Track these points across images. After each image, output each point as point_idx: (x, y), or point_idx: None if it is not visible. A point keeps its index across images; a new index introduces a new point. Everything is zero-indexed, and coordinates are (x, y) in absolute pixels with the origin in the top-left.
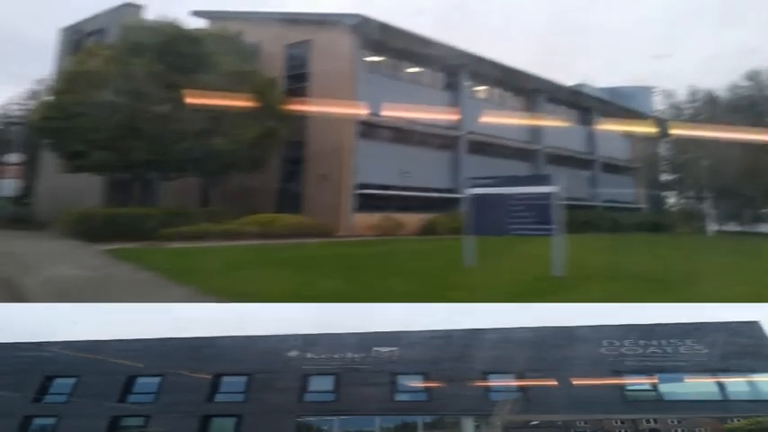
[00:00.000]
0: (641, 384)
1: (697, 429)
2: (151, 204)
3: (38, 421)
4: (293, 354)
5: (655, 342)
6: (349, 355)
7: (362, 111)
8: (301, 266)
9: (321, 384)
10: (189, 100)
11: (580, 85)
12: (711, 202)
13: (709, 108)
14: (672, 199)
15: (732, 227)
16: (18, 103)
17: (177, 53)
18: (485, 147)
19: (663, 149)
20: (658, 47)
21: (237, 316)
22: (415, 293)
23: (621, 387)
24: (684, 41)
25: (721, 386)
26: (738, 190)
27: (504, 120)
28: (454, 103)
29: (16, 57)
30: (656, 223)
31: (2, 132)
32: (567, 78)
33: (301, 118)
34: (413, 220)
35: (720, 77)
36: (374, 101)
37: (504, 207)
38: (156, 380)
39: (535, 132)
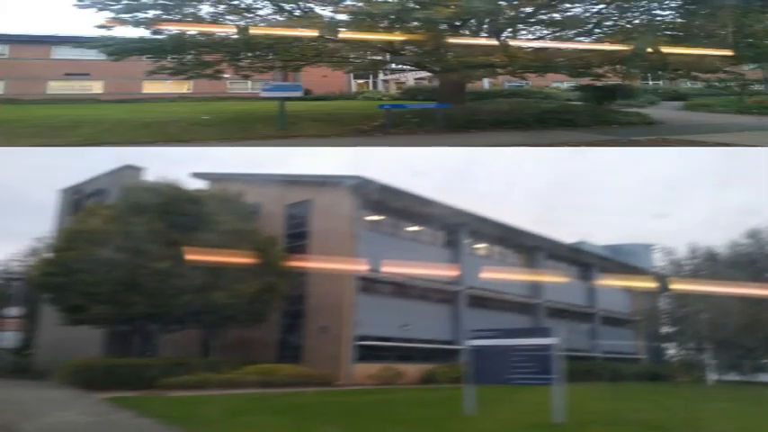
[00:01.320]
0: None
1: None
2: (151, 355)
3: None
4: None
5: None
6: None
7: (362, 267)
8: (300, 414)
9: None
10: (189, 257)
11: (580, 243)
12: (712, 353)
13: (710, 265)
14: (672, 350)
15: (732, 376)
16: (18, 260)
17: (178, 212)
18: (485, 301)
19: (663, 303)
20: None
21: None
22: None
23: None
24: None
25: None
26: (739, 342)
27: (504, 276)
28: (454, 260)
29: (17, 215)
30: (656, 373)
31: (2, 287)
32: (567, 237)
33: (302, 273)
34: (413, 369)
35: (720, 236)
36: (374, 257)
37: (505, 358)
38: None
39: (535, 287)
